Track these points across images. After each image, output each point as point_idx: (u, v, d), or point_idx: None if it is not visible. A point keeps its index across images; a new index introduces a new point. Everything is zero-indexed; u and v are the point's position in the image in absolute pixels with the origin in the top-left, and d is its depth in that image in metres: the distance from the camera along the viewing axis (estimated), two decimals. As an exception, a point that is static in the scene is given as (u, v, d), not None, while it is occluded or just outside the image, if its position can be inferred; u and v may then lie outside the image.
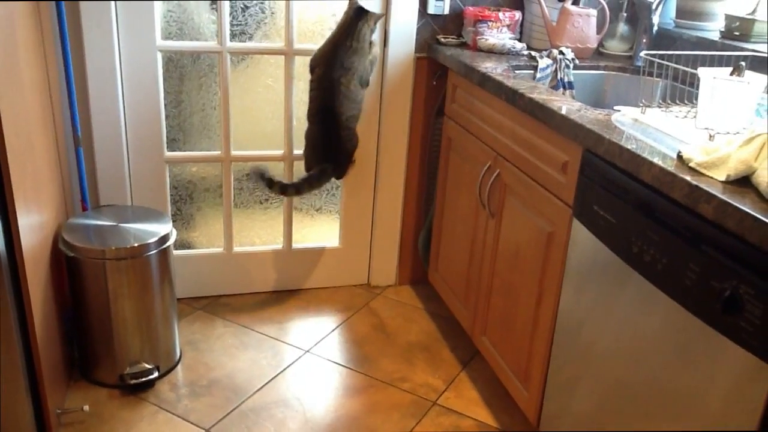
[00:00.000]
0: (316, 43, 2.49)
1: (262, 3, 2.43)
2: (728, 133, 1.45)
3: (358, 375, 2.32)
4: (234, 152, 2.56)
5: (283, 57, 2.50)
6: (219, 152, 2.56)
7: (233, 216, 2.66)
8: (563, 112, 1.68)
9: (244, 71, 2.52)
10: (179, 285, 2.62)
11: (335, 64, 2.30)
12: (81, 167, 2.34)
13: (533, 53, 2.34)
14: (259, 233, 2.76)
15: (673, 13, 2.45)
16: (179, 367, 2.30)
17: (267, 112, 2.59)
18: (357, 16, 2.31)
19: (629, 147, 1.42)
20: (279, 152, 2.63)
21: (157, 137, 2.44)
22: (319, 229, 2.84)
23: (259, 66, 2.53)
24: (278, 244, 2.76)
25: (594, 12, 2.42)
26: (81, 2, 2.20)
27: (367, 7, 2.33)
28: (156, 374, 2.19)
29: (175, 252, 2.55)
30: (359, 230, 2.80)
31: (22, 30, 1.80)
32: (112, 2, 2.23)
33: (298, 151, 2.61)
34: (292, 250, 2.76)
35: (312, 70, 2.38)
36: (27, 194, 1.72)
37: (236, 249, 2.70)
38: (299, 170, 2.67)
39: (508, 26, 2.47)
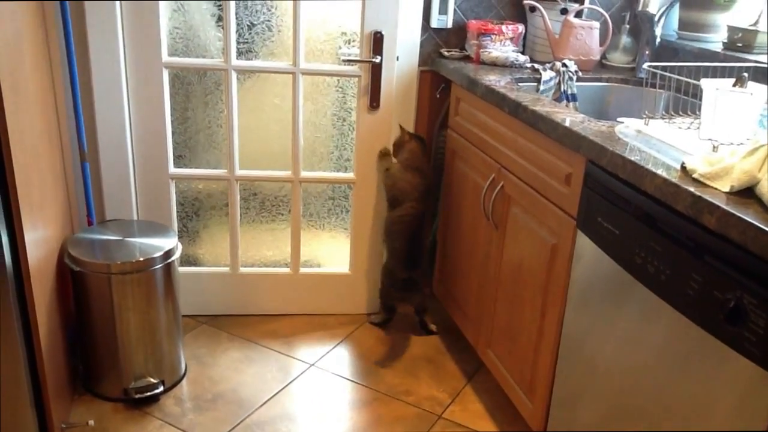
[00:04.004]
0: (325, 63, 2.48)
1: (269, 20, 2.43)
2: (732, 144, 1.45)
3: (362, 388, 2.31)
4: (240, 171, 2.53)
5: (290, 76, 2.44)
6: (224, 171, 2.53)
7: (239, 234, 2.62)
8: (567, 124, 1.69)
9: (250, 89, 2.52)
10: (184, 302, 2.61)
11: (428, 199, 2.48)
12: (87, 182, 2.35)
13: (536, 66, 2.35)
14: (266, 254, 2.73)
15: (675, 25, 2.46)
16: (184, 381, 2.30)
17: (274, 131, 2.56)
18: (422, 143, 2.50)
19: (633, 158, 1.42)
20: (286, 173, 2.56)
21: (162, 153, 2.45)
22: (327, 248, 2.78)
23: (266, 85, 2.52)
24: (286, 267, 2.70)
25: (597, 24, 2.43)
26: (87, 18, 2.22)
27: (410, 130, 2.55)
28: (161, 388, 2.19)
29: (181, 269, 2.55)
30: (370, 254, 2.69)
31: (29, 46, 1.82)
32: (119, 17, 2.25)
33: (306, 173, 2.57)
34: (300, 274, 2.70)
35: (394, 205, 2.47)
36: (33, 208, 1.73)
37: (242, 270, 2.66)
38: (306, 191, 2.66)
39: (511, 39, 2.48)
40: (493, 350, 2.20)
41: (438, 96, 2.65)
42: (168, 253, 2.14)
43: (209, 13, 2.39)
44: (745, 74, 1.49)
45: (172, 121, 2.46)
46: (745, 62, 1.99)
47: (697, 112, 1.70)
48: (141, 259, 2.07)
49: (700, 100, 1.54)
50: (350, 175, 2.62)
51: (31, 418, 1.75)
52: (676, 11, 2.44)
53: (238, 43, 2.41)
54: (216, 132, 2.55)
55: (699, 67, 1.81)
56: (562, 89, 2.28)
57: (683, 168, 1.35)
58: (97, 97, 2.32)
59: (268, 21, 2.43)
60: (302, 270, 2.70)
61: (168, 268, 2.14)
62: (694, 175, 1.30)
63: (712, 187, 1.26)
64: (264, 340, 2.55)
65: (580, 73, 2.32)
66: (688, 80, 1.64)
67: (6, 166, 1.57)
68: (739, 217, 1.13)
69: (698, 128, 1.56)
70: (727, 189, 1.24)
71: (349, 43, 2.50)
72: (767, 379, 1.10)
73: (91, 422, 2.01)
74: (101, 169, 2.40)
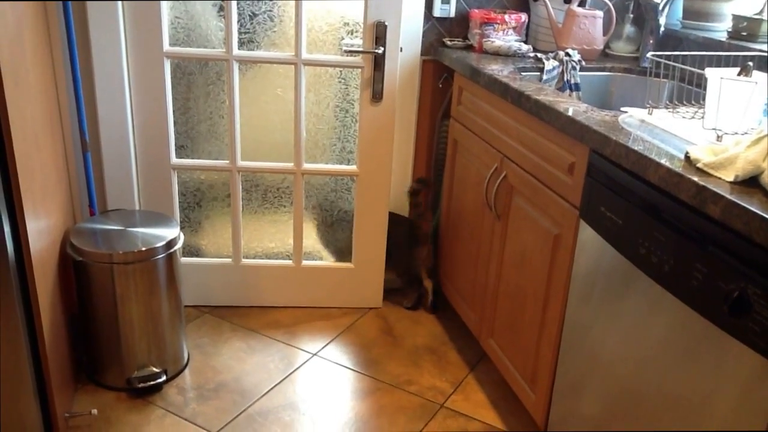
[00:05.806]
0: (327, 54, 2.46)
1: (270, 11, 2.41)
2: (736, 133, 1.44)
3: (365, 378, 2.32)
4: (242, 162, 2.51)
5: (292, 67, 2.41)
6: (226, 162, 2.52)
7: (242, 225, 2.61)
8: (570, 113, 1.68)
9: (252, 80, 2.51)
10: (186, 293, 2.62)
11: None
12: (89, 172, 2.35)
13: (539, 55, 2.34)
14: (268, 245, 2.72)
15: (679, 14, 2.44)
16: (187, 370, 2.30)
17: (276, 122, 2.55)
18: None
19: (636, 148, 1.42)
20: (288, 165, 2.54)
21: (164, 143, 2.44)
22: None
23: (267, 75, 2.50)
24: (288, 259, 2.69)
25: (600, 13, 2.41)
26: (89, 8, 2.21)
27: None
28: (164, 378, 2.19)
29: (183, 259, 2.55)
30: (373, 247, 2.66)
31: (30, 36, 1.81)
32: (120, 7, 2.24)
33: (308, 165, 2.55)
34: (302, 267, 2.68)
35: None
36: (35, 198, 1.73)
37: (245, 261, 2.65)
38: (308, 183, 2.64)
39: (514, 28, 2.46)
40: (495, 340, 2.20)
41: (440, 86, 2.64)
42: (170, 243, 2.14)
43: (211, 2, 2.38)
44: (750, 63, 1.48)
45: (173, 112, 2.45)
46: (749, 51, 1.98)
47: (702, 102, 1.69)
48: (143, 249, 2.07)
49: (705, 89, 1.53)
50: (353, 167, 2.60)
51: (34, 408, 1.75)
52: (680, 0, 2.42)
53: (239, 33, 2.40)
54: (218, 123, 2.54)
55: (703, 56, 1.80)
56: (565, 79, 2.27)
57: (687, 158, 1.34)
58: (99, 87, 2.31)
59: (270, 11, 2.41)
60: (304, 262, 2.69)
61: (170, 259, 2.14)
62: (698, 165, 1.30)
63: (716, 176, 1.26)
64: (266, 330, 2.55)
65: (583, 63, 2.31)
66: (693, 69, 1.63)
67: (8, 155, 1.57)
68: (744, 207, 1.12)
69: (702, 118, 1.56)
70: (731, 179, 1.23)
71: (351, 34, 2.48)
72: (771, 370, 1.10)
73: (95, 411, 2.02)
74: (103, 159, 2.40)
